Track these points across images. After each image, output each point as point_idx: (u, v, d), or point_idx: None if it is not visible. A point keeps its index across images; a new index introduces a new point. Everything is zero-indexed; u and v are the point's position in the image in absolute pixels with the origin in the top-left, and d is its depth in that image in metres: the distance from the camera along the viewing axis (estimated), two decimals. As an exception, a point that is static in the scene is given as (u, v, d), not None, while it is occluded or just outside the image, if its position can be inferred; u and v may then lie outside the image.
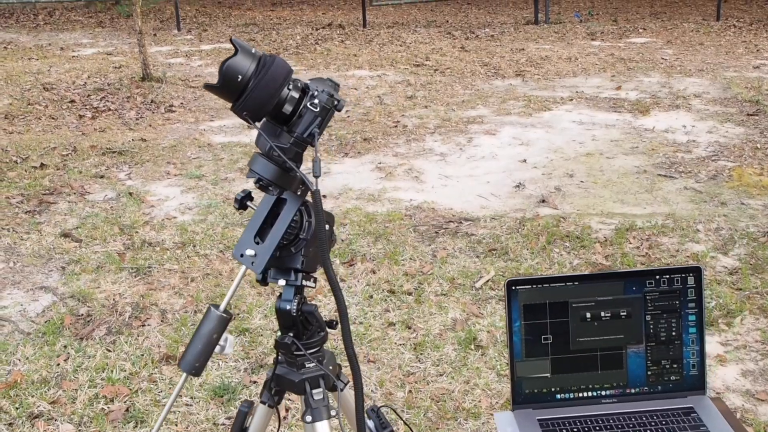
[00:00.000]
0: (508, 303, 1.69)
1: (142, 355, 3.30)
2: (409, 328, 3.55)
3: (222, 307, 1.45)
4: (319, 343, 1.53)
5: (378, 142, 6.42)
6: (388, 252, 4.30)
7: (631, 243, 4.34)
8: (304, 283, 1.47)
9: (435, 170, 5.73)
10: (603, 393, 1.72)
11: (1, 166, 5.66)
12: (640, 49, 10.25)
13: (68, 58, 9.77)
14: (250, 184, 1.43)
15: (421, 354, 3.34)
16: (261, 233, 1.43)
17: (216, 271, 4.07)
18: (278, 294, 1.50)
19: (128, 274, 4.01)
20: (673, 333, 1.71)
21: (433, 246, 4.39)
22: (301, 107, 1.36)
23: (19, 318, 3.60)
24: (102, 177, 5.51)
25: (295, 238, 1.44)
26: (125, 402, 2.99)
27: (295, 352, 1.48)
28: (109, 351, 3.33)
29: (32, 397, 3.02)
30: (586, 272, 1.47)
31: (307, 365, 1.51)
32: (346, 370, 1.58)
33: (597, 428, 1.64)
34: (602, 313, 1.70)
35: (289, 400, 2.96)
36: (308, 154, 1.37)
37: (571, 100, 7.64)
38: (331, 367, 1.55)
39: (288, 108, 1.36)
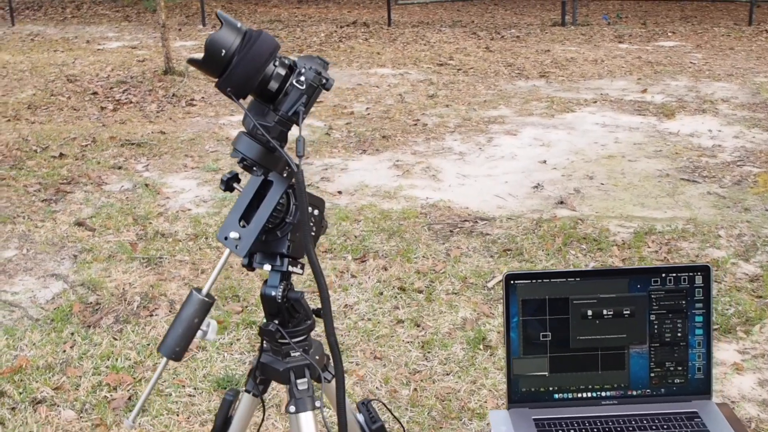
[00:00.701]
0: (507, 298, 1.63)
1: (148, 344, 3.28)
2: (418, 326, 3.50)
3: (205, 290, 1.41)
4: (306, 332, 1.48)
5: (397, 139, 6.37)
6: (401, 249, 4.25)
7: (649, 247, 4.26)
8: (290, 269, 1.43)
9: (453, 169, 5.67)
10: (603, 394, 1.67)
11: (21, 155, 5.69)
12: (669, 52, 10.11)
13: (93, 51, 9.83)
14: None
15: (429, 352, 3.29)
16: (246, 216, 1.39)
17: (227, 264, 4.04)
18: (264, 280, 1.46)
19: (139, 264, 4.00)
20: (679, 334, 1.65)
21: (447, 245, 4.33)
22: (287, 85, 1.32)
23: (29, 304, 3.60)
24: (120, 168, 5.51)
25: (281, 222, 1.40)
26: (128, 390, 2.98)
27: (280, 340, 1.44)
28: (116, 339, 3.32)
29: (36, 382, 3.01)
30: (589, 268, 1.44)
31: (292, 354, 1.47)
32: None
33: (595, 430, 1.58)
34: (604, 311, 1.64)
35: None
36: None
37: (595, 102, 7.54)
38: (317, 357, 1.50)
39: (274, 85, 1.32)
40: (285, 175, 1.37)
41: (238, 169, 1.43)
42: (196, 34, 11.84)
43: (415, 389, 3.04)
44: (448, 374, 3.14)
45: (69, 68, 8.67)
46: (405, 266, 4.06)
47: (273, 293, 1.42)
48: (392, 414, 1.67)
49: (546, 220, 4.66)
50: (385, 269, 4.03)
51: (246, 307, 3.62)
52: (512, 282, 1.63)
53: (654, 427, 1.58)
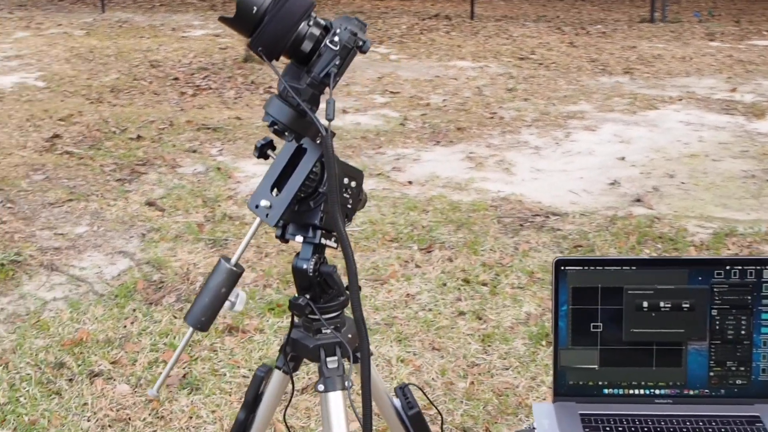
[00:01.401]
0: (556, 284, 1.54)
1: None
2: (480, 318, 3.41)
3: (234, 260, 1.37)
4: (338, 308, 1.42)
5: (472, 132, 6.27)
6: (468, 241, 4.17)
7: (729, 249, 4.05)
8: (323, 241, 1.38)
9: (527, 163, 5.54)
10: (657, 392, 1.56)
11: (101, 136, 5.82)
12: (763, 51, 9.68)
13: (178, 38, 10.03)
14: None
15: (489, 346, 3.20)
16: (279, 184, 1.34)
17: (290, 248, 4.03)
18: (297, 252, 1.41)
19: (204, 245, 4.03)
20: (743, 332, 1.53)
21: (516, 238, 4.22)
22: (321, 45, 1.26)
23: (96, 280, 3.67)
24: (194, 152, 5.58)
25: (314, 192, 1.34)
26: (183, 368, 2.99)
27: (310, 316, 1.39)
28: (176, 318, 3.34)
29: (95, 355, 3.05)
30: (646, 256, 1.34)
31: (323, 331, 1.41)
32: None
33: (646, 429, 1.48)
34: (661, 303, 1.53)
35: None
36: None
37: (681, 99, 7.26)
38: (350, 336, 1.44)
39: (307, 45, 1.26)
40: (318, 141, 1.32)
41: (274, 137, 1.39)
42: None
43: (472, 382, 2.96)
44: (507, 369, 3.05)
45: (153, 54, 8.86)
46: (471, 258, 3.97)
47: (304, 266, 1.37)
48: (430, 401, 1.60)
49: (621, 217, 4.50)
50: (450, 260, 3.96)
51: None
52: (563, 268, 1.54)
53: (711, 430, 1.47)
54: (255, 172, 5.22)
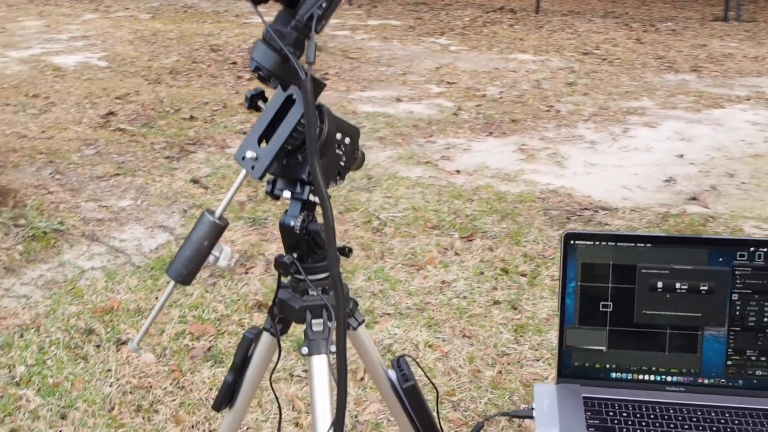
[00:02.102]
0: (564, 259, 1.46)
1: (238, 299, 3.28)
2: (515, 308, 3.32)
3: (218, 213, 1.33)
4: (326, 270, 1.37)
5: (526, 124, 6.15)
6: (511, 232, 4.07)
7: (785, 250, 3.86)
8: (311, 198, 1.32)
9: (580, 157, 5.40)
10: (669, 379, 1.46)
11: (155, 115, 5.89)
12: (841, 53, 9.26)
13: (239, 24, 10.12)
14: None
15: (522, 336, 3.11)
16: (267, 136, 1.29)
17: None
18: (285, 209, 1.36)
19: (244, 224, 4.02)
20: (765, 319, 1.42)
21: (562, 231, 4.09)
22: None
23: (134, 252, 3.70)
24: (245, 133, 5.60)
25: (302, 145, 1.29)
26: (209, 341, 2.98)
27: (296, 275, 1.34)
28: (207, 292, 3.34)
29: (124, 324, 3.06)
30: (663, 233, 1.25)
31: (310, 292, 1.36)
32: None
33: (654, 417, 1.38)
34: (677, 285, 1.43)
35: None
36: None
37: (749, 99, 6.99)
38: (340, 300, 1.39)
39: None
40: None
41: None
42: (340, 12, 11.95)
43: (500, 371, 2.87)
44: (538, 360, 2.95)
45: (214, 38, 8.95)
46: (512, 249, 3.87)
47: (291, 223, 1.31)
48: (425, 374, 1.53)
49: (674, 215, 4.34)
50: (491, 250, 3.87)
51: (341, 273, 3.56)
52: (572, 242, 1.46)
53: (725, 421, 1.37)
54: (303, 155, 5.21)
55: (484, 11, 12.26)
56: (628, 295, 1.44)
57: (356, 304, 1.48)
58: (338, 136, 1.32)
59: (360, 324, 1.46)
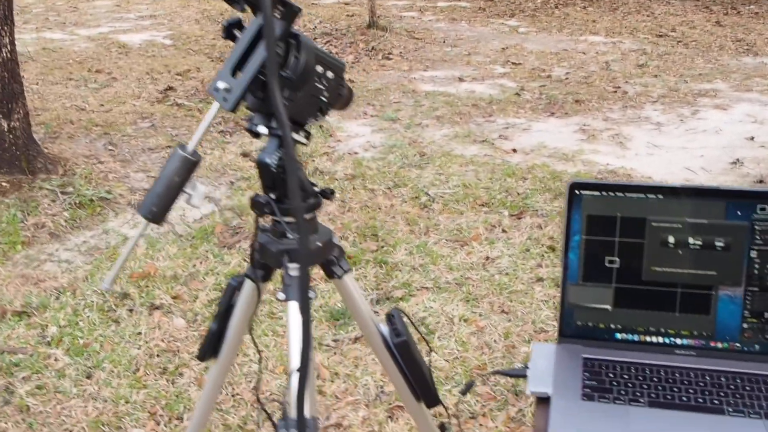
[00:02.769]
0: (569, 210, 1.36)
1: (274, 269, 3.25)
2: (559, 286, 3.19)
3: (190, 148, 1.27)
4: (305, 212, 1.30)
5: (590, 105, 5.95)
6: (562, 211, 3.93)
7: None
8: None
9: (644, 138, 5.19)
10: (678, 342, 1.35)
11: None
12: None
13: (308, 4, 10.12)
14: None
15: (562, 314, 2.98)
16: (242, 66, 1.23)
17: (375, 205, 3.94)
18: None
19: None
20: (788, 279, 1.29)
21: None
22: None
23: (178, 221, 3.71)
24: (301, 110, 5.58)
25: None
26: (241, 309, 2.95)
27: (272, 217, 1.27)
28: (245, 261, 3.32)
29: (159, 289, 3.07)
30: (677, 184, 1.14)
31: (288, 236, 1.30)
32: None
33: (658, 380, 1.27)
34: (691, 240, 1.31)
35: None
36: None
37: (832, 82, 6.62)
38: (320, 245, 1.32)
39: None
40: (279, 16, 1.19)
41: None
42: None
43: (536, 348, 2.76)
44: (577, 339, 2.83)
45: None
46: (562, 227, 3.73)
47: (267, 160, 1.25)
48: (417, 329, 1.44)
49: (738, 197, 4.12)
50: (540, 228, 3.74)
51: (382, 247, 3.50)
52: (577, 192, 1.35)
53: (735, 387, 1.25)
54: (357, 132, 5.16)
55: (557, -6, 11.96)
56: (636, 250, 1.33)
57: (342, 251, 1.41)
58: (319, 68, 1.25)
59: (346, 272, 1.39)
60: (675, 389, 1.24)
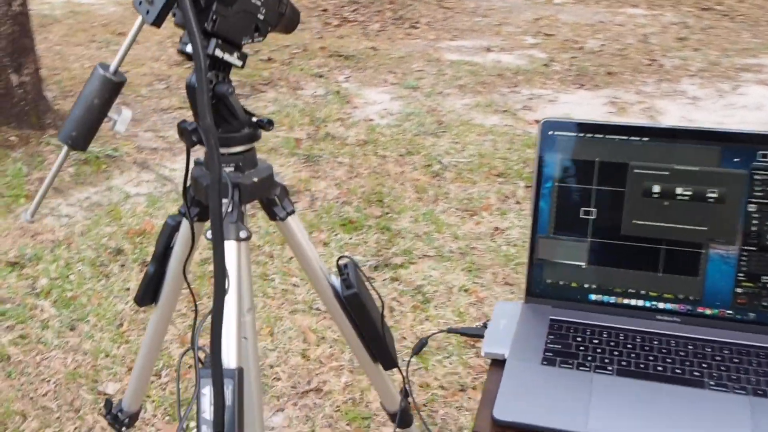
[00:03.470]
0: (540, 153, 1.20)
1: (273, 231, 3.13)
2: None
3: (112, 67, 1.14)
4: (239, 142, 1.17)
5: (623, 77, 5.72)
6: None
7: None
8: (221, 55, 1.12)
9: (678, 112, 4.96)
10: (660, 306, 1.19)
11: (235, 55, 5.81)
12: None
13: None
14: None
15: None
16: None
17: (385, 171, 3.80)
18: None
19: (297, 160, 3.87)
20: (789, 237, 1.13)
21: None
22: None
23: (180, 180, 3.61)
24: (320, 76, 5.44)
25: None
26: (234, 270, 2.84)
27: (199, 144, 1.14)
28: (244, 222, 3.20)
29: (152, 246, 2.97)
30: (664, 125, 1.01)
31: (224, 169, 1.16)
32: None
33: (632, 347, 1.12)
34: (679, 190, 1.15)
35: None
36: None
37: None
38: (255, 180, 1.19)
39: None
40: None
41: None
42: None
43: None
44: (584, 313, 2.67)
45: (310, -13, 8.83)
46: (581, 199, 3.56)
47: (194, 82, 1.12)
48: (371, 284, 1.29)
49: (772, 173, 3.89)
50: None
51: (387, 213, 3.36)
52: (551, 133, 1.20)
53: (722, 359, 1.09)
54: (375, 99, 5.00)
55: (598, -33, 11.61)
56: (616, 200, 1.17)
57: (285, 190, 1.27)
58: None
59: (289, 214, 1.26)
60: (650, 358, 1.09)
